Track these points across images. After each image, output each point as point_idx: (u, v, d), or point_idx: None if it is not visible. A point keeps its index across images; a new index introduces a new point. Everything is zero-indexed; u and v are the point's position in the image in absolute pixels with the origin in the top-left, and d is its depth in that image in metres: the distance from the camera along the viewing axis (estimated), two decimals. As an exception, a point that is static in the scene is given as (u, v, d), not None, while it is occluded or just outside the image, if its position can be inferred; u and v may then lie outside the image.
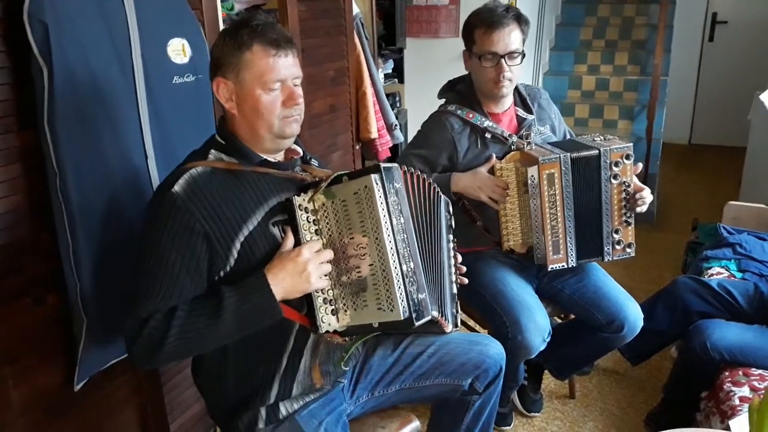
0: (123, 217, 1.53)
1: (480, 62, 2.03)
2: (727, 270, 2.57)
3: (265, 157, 1.42)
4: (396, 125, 3.31)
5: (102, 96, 1.48)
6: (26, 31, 1.33)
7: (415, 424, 1.70)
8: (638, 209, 2.04)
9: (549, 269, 2.05)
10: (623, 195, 2.02)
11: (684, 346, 2.20)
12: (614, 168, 1.99)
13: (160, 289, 1.28)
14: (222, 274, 1.35)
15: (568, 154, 1.97)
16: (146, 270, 1.30)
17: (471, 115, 2.09)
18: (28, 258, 1.44)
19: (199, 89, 1.74)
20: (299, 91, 1.39)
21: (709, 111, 6.28)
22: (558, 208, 1.99)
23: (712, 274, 2.54)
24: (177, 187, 1.30)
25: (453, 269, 1.63)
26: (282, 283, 1.30)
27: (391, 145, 3.28)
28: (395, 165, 1.39)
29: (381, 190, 1.31)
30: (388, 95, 3.51)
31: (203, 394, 1.56)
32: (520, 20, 2.03)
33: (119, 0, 1.52)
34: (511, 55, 2.01)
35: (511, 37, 2.00)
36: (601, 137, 2.08)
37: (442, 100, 2.24)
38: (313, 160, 1.58)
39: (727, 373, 2.01)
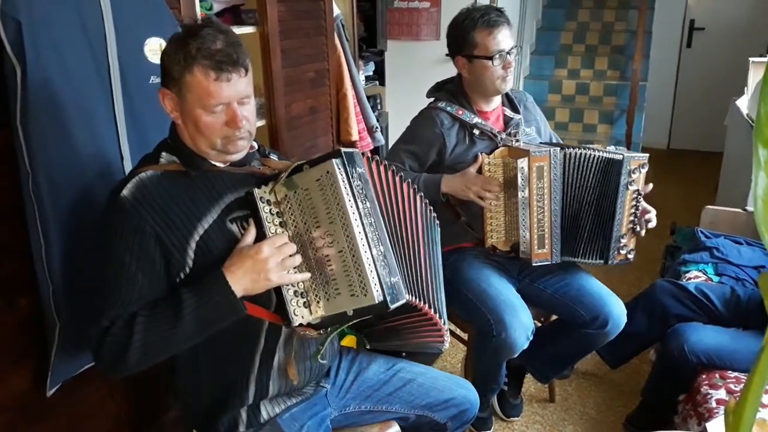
0: (97, 219, 1.49)
1: (487, 63, 2.08)
2: (704, 274, 2.60)
3: (213, 163, 1.37)
4: (377, 128, 3.31)
5: (77, 96, 1.45)
6: (-2, 28, 1.30)
7: (395, 429, 1.69)
8: (641, 230, 2.07)
9: (534, 263, 2.05)
10: (634, 203, 2.05)
11: (662, 350, 2.22)
12: (632, 175, 2.02)
13: (119, 295, 1.27)
14: (182, 275, 1.32)
15: (557, 149, 2.00)
16: (106, 278, 1.29)
17: (461, 112, 2.15)
18: (0, 259, 1.41)
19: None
20: (245, 110, 1.32)
21: (687, 116, 6.35)
22: (545, 202, 2.01)
23: (690, 278, 2.57)
24: (125, 191, 1.29)
25: (434, 255, 1.55)
26: (241, 281, 1.27)
27: (371, 147, 3.27)
28: (356, 150, 1.36)
29: (344, 173, 1.28)
30: (369, 97, 3.50)
31: (178, 398, 1.54)
32: (504, 15, 2.13)
33: (95, -2, 1.50)
34: (512, 49, 2.11)
35: (508, 32, 2.10)
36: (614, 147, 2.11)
37: (425, 102, 2.25)
38: (272, 154, 1.54)
39: (704, 376, 2.02)
